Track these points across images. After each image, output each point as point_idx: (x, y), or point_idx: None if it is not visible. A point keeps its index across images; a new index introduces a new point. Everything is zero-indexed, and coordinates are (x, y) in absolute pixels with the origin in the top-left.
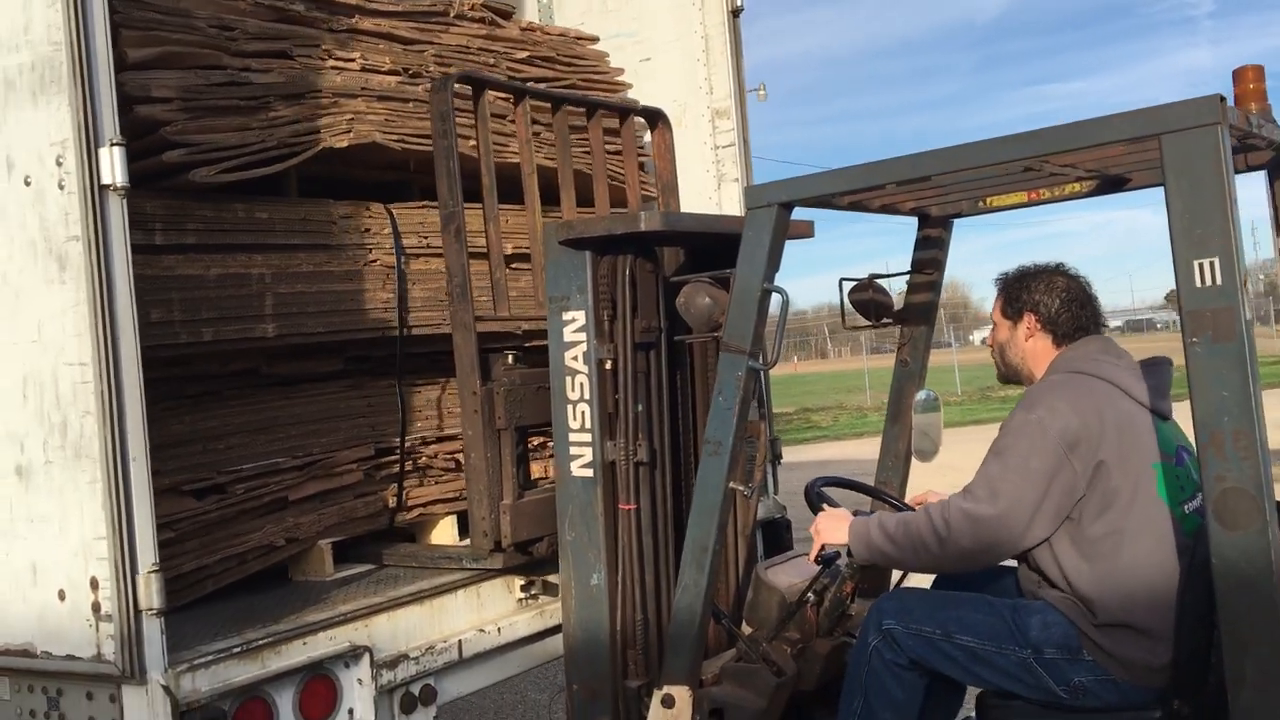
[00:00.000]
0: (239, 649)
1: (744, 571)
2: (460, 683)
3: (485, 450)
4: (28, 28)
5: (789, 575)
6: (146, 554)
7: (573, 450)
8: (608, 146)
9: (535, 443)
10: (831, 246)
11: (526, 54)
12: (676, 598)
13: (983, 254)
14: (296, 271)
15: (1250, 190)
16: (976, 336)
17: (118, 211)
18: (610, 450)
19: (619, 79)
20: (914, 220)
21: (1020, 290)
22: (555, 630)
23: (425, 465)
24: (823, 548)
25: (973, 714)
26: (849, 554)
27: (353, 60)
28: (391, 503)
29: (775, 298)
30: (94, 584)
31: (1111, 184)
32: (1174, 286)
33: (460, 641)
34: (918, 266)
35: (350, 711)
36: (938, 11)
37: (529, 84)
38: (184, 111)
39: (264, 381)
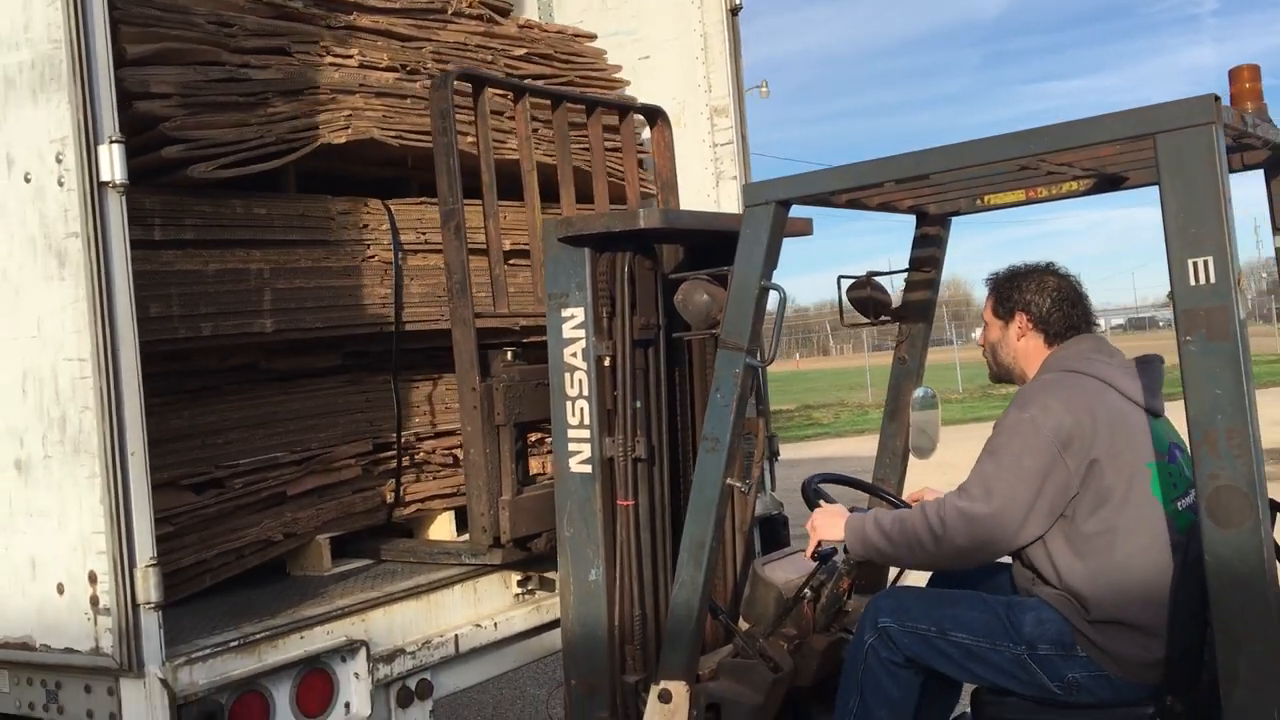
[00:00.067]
0: (236, 643)
1: (742, 567)
2: (457, 677)
3: (484, 446)
4: (28, 26)
5: (786, 571)
6: (144, 548)
7: (571, 446)
8: (607, 144)
9: (534, 439)
10: (834, 244)
11: (524, 51)
12: (674, 593)
13: (984, 252)
14: (295, 267)
15: (1253, 189)
16: (978, 334)
17: (117, 208)
18: (609, 446)
19: (617, 76)
20: (913, 218)
21: (1011, 290)
22: (552, 625)
23: (423, 461)
24: (819, 544)
25: (968, 710)
26: (845, 550)
27: (351, 57)
28: (389, 498)
29: (773, 295)
30: (92, 578)
31: (1108, 182)
32: None
33: (457, 636)
34: (916, 264)
35: (347, 705)
36: (940, 10)
37: (528, 81)
38: (183, 107)
39: (262, 376)
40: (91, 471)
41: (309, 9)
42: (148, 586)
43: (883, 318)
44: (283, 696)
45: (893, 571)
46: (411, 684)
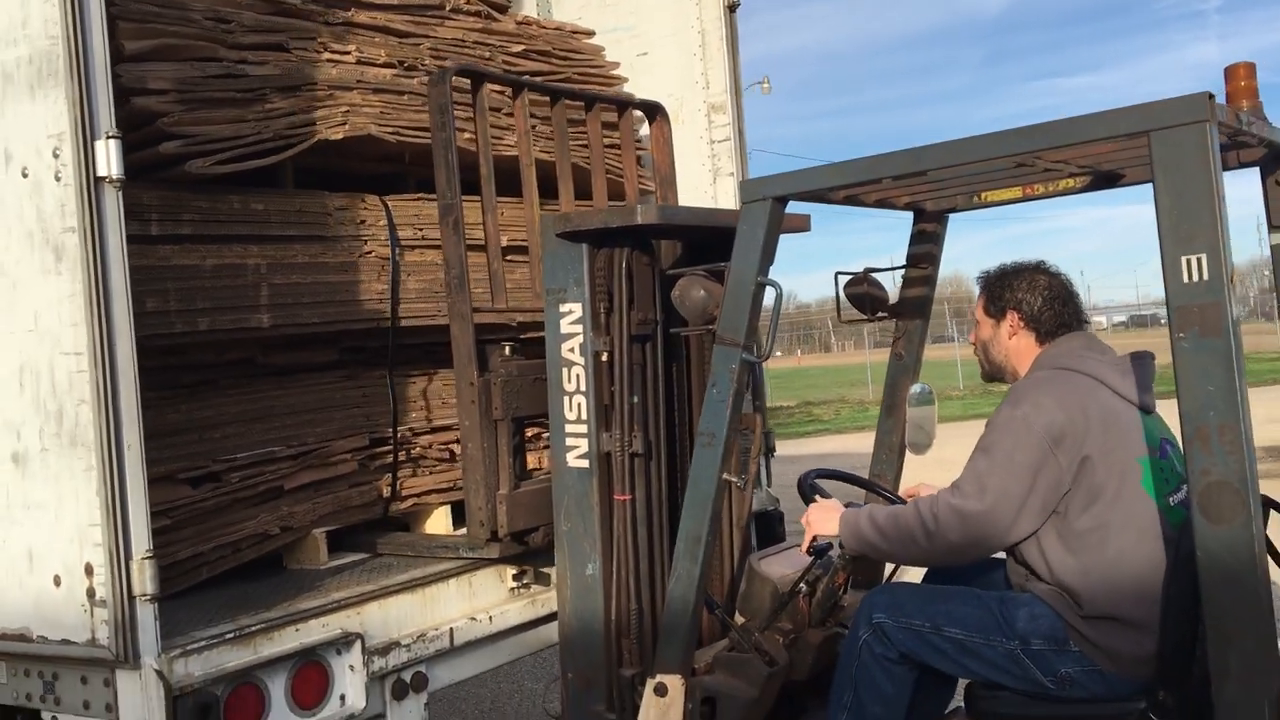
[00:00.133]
0: (232, 635)
1: (738, 562)
2: (451, 670)
3: (482, 441)
4: (25, 22)
5: (782, 566)
6: (140, 540)
7: (569, 441)
8: (605, 141)
9: (531, 434)
10: (837, 241)
11: (522, 48)
12: (670, 588)
13: (986, 249)
14: (292, 262)
15: (1257, 186)
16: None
17: (113, 203)
18: (606, 441)
19: (615, 73)
20: (911, 215)
21: (1003, 289)
22: (547, 619)
23: (419, 456)
24: (814, 539)
25: (962, 705)
26: (841, 545)
27: (348, 53)
28: (386, 492)
29: (770, 291)
30: (89, 570)
31: (1105, 180)
32: None
33: (452, 629)
34: (913, 261)
35: (342, 697)
36: (942, 6)
37: (526, 78)
38: (180, 103)
39: (259, 371)
40: (88, 464)
41: (307, 5)
42: (144, 579)
43: (880, 314)
44: (278, 688)
45: (888, 567)
46: (406, 676)
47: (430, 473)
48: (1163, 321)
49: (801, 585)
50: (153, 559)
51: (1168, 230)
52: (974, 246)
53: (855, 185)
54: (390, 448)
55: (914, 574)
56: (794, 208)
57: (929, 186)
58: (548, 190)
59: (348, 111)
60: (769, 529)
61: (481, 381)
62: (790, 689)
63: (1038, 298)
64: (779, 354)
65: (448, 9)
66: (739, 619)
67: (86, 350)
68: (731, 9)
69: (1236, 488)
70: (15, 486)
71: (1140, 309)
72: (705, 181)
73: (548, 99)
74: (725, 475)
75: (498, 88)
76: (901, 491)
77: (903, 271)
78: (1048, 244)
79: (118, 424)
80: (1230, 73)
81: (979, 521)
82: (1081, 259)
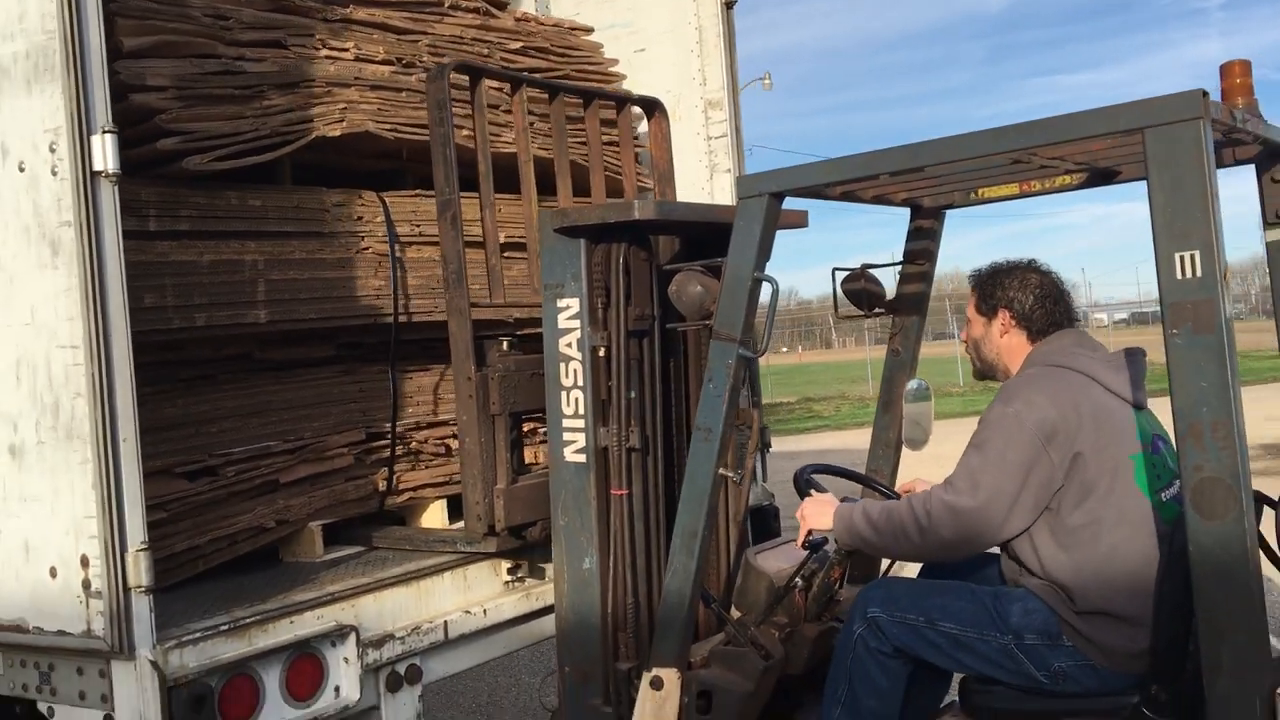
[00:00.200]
0: (227, 627)
1: (735, 557)
2: (446, 663)
3: (480, 435)
4: (23, 16)
5: (778, 561)
6: (136, 533)
7: (566, 436)
8: (603, 138)
9: (528, 428)
10: (840, 237)
11: (521, 45)
12: (666, 582)
13: (987, 245)
14: (289, 258)
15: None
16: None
17: (109, 198)
18: (603, 436)
19: (613, 70)
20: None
21: (994, 287)
22: (541, 613)
23: (415, 450)
24: (809, 533)
25: (956, 700)
26: (836, 540)
27: (346, 50)
28: (382, 486)
29: (766, 286)
30: (84, 562)
31: (1101, 176)
32: None
33: (446, 622)
34: (910, 257)
35: (336, 689)
36: (944, 2)
37: (524, 74)
38: (178, 100)
39: (257, 366)
40: (84, 457)
41: (305, 2)
42: (139, 570)
43: (877, 310)
44: (272, 680)
45: (884, 562)
46: (401, 669)
47: (426, 467)
48: None
49: (797, 580)
50: (148, 551)
51: (1161, 227)
52: (975, 243)
53: (852, 181)
54: (386, 442)
55: (910, 569)
56: (791, 203)
57: (926, 182)
58: (546, 187)
59: (345, 108)
60: (764, 524)
61: (479, 376)
62: (786, 683)
63: (1029, 296)
64: (784, 349)
65: (446, 5)
66: (735, 613)
67: (82, 344)
68: (729, 6)
69: (1229, 483)
70: (12, 479)
71: (1141, 306)
72: (702, 178)
73: (546, 96)
74: (722, 470)
75: (496, 84)
76: (897, 487)
77: (900, 268)
78: (1048, 241)
79: (113, 417)
80: (1226, 70)
81: (971, 518)
82: (1082, 256)
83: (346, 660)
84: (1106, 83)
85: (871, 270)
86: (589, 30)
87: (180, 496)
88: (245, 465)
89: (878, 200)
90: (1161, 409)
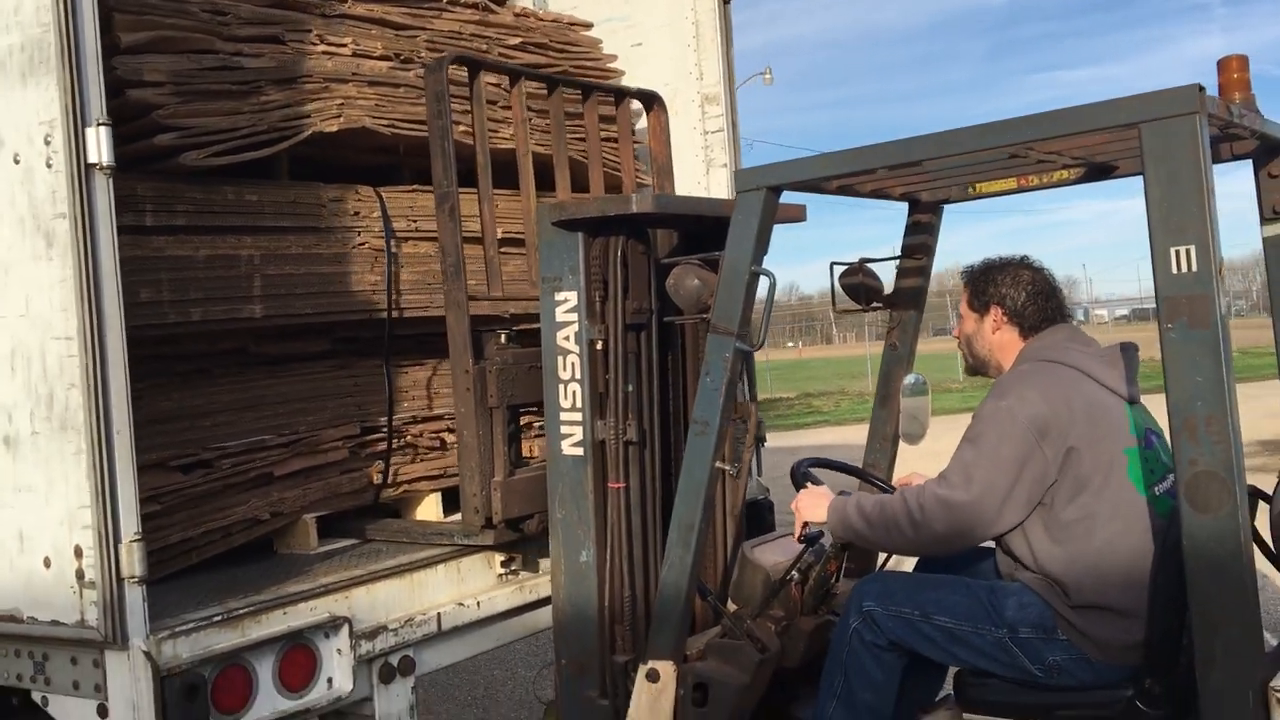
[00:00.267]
0: (220, 617)
1: (731, 550)
2: (439, 654)
3: (477, 428)
4: (18, 9)
5: (774, 554)
6: (129, 523)
7: (563, 429)
8: (602, 134)
9: (526, 421)
10: (831, 232)
11: (519, 40)
12: (663, 574)
13: (988, 241)
14: (285, 253)
15: None
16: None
17: (104, 190)
18: (600, 429)
19: (612, 66)
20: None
21: (986, 284)
22: (534, 605)
23: (410, 444)
24: (805, 525)
25: (951, 693)
26: (830, 532)
27: (344, 45)
28: (377, 479)
29: (763, 280)
30: (78, 552)
31: (1098, 172)
32: None
33: (439, 614)
34: (908, 251)
35: (329, 680)
36: None
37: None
38: (176, 95)
39: (252, 361)
40: (78, 448)
41: None
42: (132, 561)
43: (875, 304)
44: (265, 670)
45: (880, 556)
46: (394, 660)
47: (420, 460)
48: None
49: (793, 573)
50: (141, 542)
51: (1157, 222)
52: (976, 239)
53: (849, 175)
54: (380, 436)
55: (907, 563)
56: (789, 198)
57: (924, 177)
58: (544, 183)
59: (343, 104)
60: (758, 518)
61: (477, 369)
62: (781, 676)
63: (1021, 293)
64: (790, 344)
65: (445, 1)
66: (731, 606)
67: (77, 335)
68: (725, 0)
69: (1223, 478)
70: (6, 469)
71: (1142, 302)
72: (698, 172)
73: (545, 92)
74: (718, 463)
75: (494, 81)
76: (894, 481)
77: (898, 262)
78: (1050, 237)
79: (107, 408)
80: (1223, 65)
81: (964, 512)
82: (1084, 252)
83: (339, 651)
84: (1107, 78)
85: (869, 265)
86: (588, 25)
87: (175, 489)
88: (240, 458)
89: (876, 195)
90: (1156, 404)
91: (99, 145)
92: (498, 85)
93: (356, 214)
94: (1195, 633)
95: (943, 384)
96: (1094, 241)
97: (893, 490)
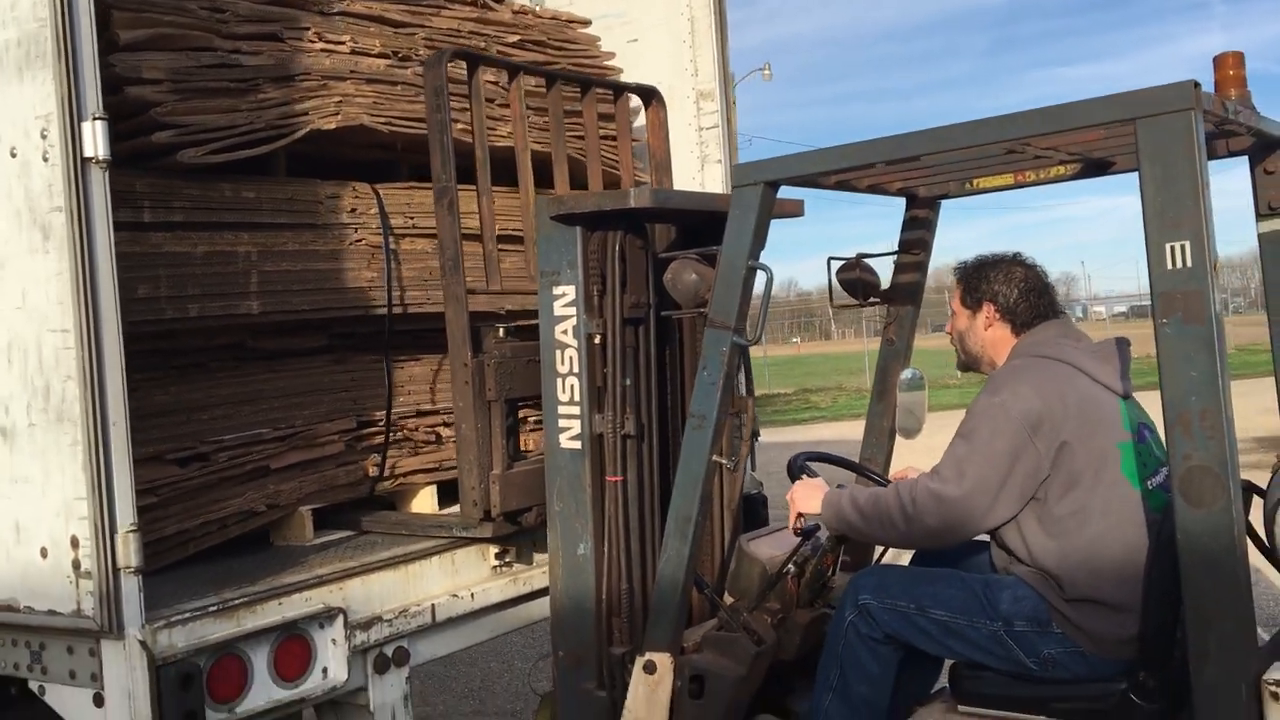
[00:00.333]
0: (215, 608)
1: (728, 543)
2: (433, 645)
3: (476, 421)
4: (14, 4)
5: (771, 547)
6: (125, 514)
7: (562, 423)
8: (601, 132)
9: (524, 415)
10: (829, 229)
11: (518, 38)
12: (660, 567)
13: (987, 238)
14: (282, 250)
15: None
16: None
17: (99, 183)
18: (598, 423)
19: (609, 63)
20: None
21: (979, 280)
22: (528, 597)
23: (405, 438)
24: (799, 516)
25: (947, 685)
26: (824, 524)
27: (342, 43)
28: (372, 472)
29: (761, 275)
30: (74, 542)
31: (1095, 167)
32: None
33: (433, 606)
34: (905, 247)
35: (324, 670)
36: None
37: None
38: (174, 93)
39: (249, 355)
40: (74, 439)
41: None
42: (128, 551)
43: (872, 299)
44: (260, 660)
45: (877, 550)
46: (388, 651)
47: (416, 454)
48: None
49: (790, 566)
50: (137, 532)
51: (1152, 217)
52: (977, 235)
53: (846, 170)
54: (376, 429)
55: (904, 558)
56: (787, 193)
57: (921, 172)
58: (543, 181)
59: (340, 102)
60: (752, 512)
61: (475, 363)
62: (778, 668)
63: (1014, 290)
64: (795, 339)
65: None
66: (728, 599)
67: (73, 327)
68: None
69: (1217, 472)
70: (3, 460)
71: (1141, 299)
72: (693, 168)
73: (544, 90)
74: (715, 457)
75: (492, 78)
76: (890, 476)
77: (895, 257)
78: (1048, 233)
79: (103, 400)
80: (1219, 61)
81: (956, 506)
82: (1083, 249)
83: (334, 642)
84: (1107, 75)
85: (867, 260)
86: (586, 23)
87: (171, 481)
88: (236, 451)
89: (873, 190)
90: (1148, 401)
91: (95, 139)
92: (496, 83)
93: (354, 211)
94: (1189, 626)
95: (940, 379)
96: (1093, 238)
97: (888, 484)
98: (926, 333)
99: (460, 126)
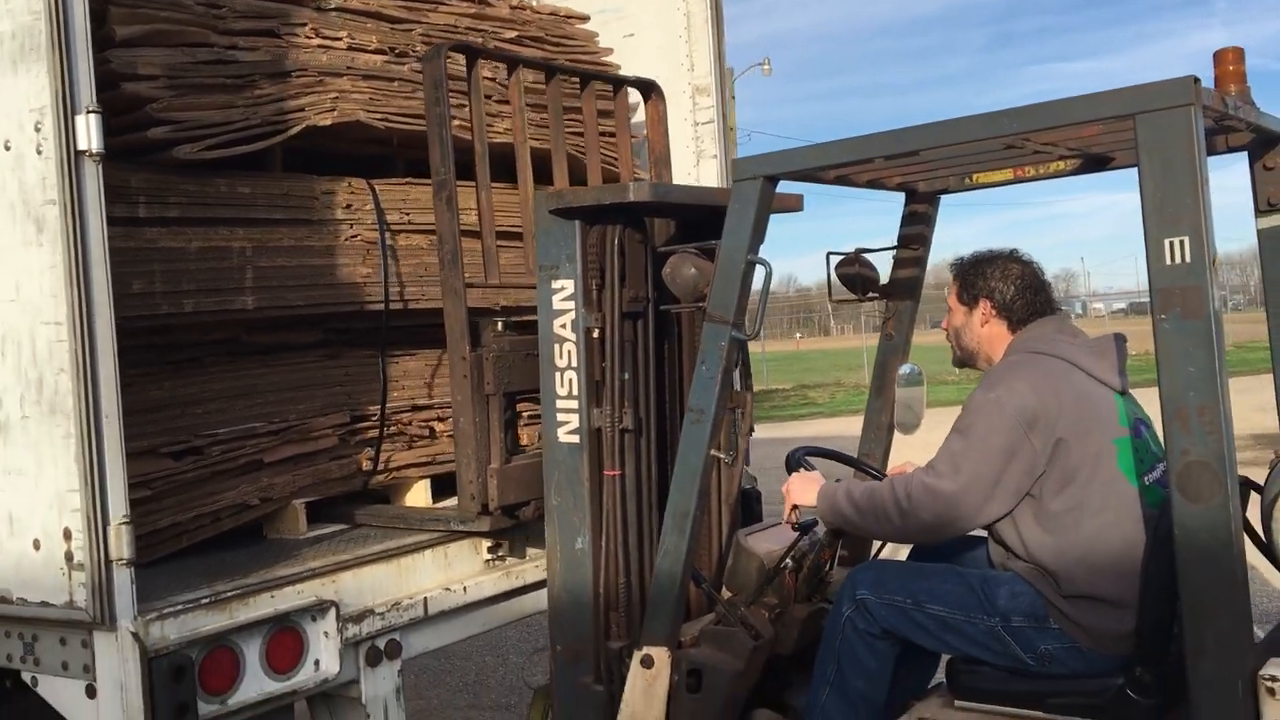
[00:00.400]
0: (208, 600)
1: (726, 538)
2: (425, 638)
3: (474, 415)
4: None
5: (769, 542)
6: (118, 506)
7: (560, 417)
8: (600, 127)
9: (522, 408)
10: (827, 224)
11: (515, 34)
12: (658, 561)
13: (987, 234)
14: (277, 245)
15: None
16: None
17: (93, 177)
18: (596, 417)
19: (607, 60)
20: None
21: (976, 277)
22: (521, 591)
23: (400, 431)
24: (795, 509)
25: (944, 681)
26: (819, 517)
27: (339, 39)
28: (366, 466)
29: (760, 269)
30: (67, 534)
31: (1094, 162)
32: None
33: (426, 599)
34: (904, 242)
35: (316, 662)
36: None
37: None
38: (170, 89)
39: (244, 350)
40: (67, 432)
41: None
42: (120, 544)
43: (871, 294)
44: (253, 652)
45: (874, 545)
46: (380, 644)
47: (409, 448)
48: None
49: (787, 561)
50: (129, 524)
51: (1151, 213)
52: (975, 231)
53: (845, 165)
54: (370, 424)
55: (901, 552)
56: (786, 187)
57: (920, 167)
58: (542, 178)
59: (337, 98)
60: (746, 507)
61: (474, 357)
62: (775, 663)
63: (1010, 286)
64: (798, 335)
65: None
66: (725, 593)
67: (66, 320)
68: None
69: (1215, 468)
70: None
71: (1140, 296)
72: (689, 163)
73: (542, 85)
74: (713, 451)
75: (491, 75)
76: (887, 471)
77: (894, 252)
78: (1048, 229)
79: (96, 392)
80: (1219, 57)
81: (951, 501)
82: (1082, 245)
83: (326, 634)
84: (1104, 71)
85: (866, 255)
86: (585, 18)
87: (165, 475)
88: (230, 445)
89: (872, 185)
90: (1145, 398)
91: (89, 132)
92: (494, 79)
93: (349, 206)
94: (1185, 622)
95: (938, 375)
96: (1093, 234)
97: (884, 479)
98: (925, 328)
99: (459, 122)
